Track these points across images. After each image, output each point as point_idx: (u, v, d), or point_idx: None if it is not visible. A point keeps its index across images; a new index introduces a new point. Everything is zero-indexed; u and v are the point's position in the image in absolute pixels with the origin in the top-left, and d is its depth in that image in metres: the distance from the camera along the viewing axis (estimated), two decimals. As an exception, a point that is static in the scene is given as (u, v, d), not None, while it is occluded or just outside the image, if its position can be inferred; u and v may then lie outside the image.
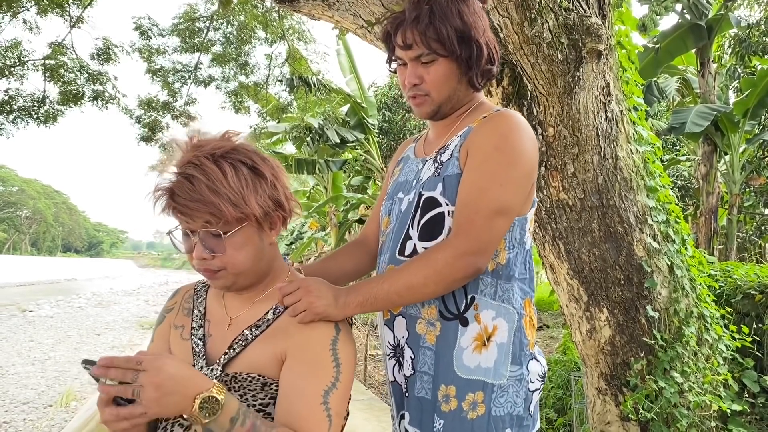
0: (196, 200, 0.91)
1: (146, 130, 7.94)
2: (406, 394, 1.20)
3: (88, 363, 0.80)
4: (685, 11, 7.32)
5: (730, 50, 8.21)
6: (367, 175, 13.27)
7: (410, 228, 1.21)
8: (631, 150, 2.41)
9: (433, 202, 1.18)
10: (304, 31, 7.86)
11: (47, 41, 7.02)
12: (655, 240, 2.46)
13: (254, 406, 0.95)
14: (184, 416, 0.83)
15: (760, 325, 2.96)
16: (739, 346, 2.77)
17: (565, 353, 4.71)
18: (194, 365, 1.00)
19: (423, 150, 1.34)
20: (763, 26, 7.37)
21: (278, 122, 10.93)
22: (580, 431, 3.33)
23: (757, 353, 2.86)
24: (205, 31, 7.54)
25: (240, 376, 0.96)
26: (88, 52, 7.22)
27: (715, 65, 8.32)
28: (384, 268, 1.25)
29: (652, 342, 2.44)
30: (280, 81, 8.48)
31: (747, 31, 7.47)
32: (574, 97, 2.06)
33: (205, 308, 1.10)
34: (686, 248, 2.74)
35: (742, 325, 2.86)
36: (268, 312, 1.03)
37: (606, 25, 2.02)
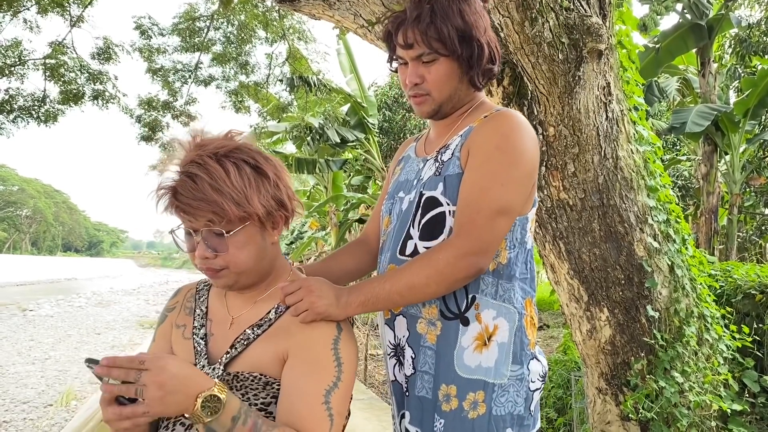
0: (199, 199, 0.92)
1: (146, 129, 7.95)
2: (407, 394, 1.21)
3: (91, 362, 0.80)
4: (685, 11, 7.32)
5: (730, 50, 8.21)
6: (368, 174, 13.27)
7: (411, 227, 1.21)
8: (631, 150, 2.41)
9: (433, 202, 1.18)
10: (305, 30, 7.87)
11: (48, 40, 7.04)
12: (655, 240, 2.46)
13: (256, 405, 0.95)
14: (186, 415, 0.83)
15: (760, 325, 2.97)
16: (740, 345, 2.77)
17: (566, 353, 4.71)
18: (196, 364, 1.00)
19: (424, 149, 1.34)
20: (763, 26, 7.37)
21: (278, 122, 10.93)
22: (581, 431, 3.33)
23: (757, 353, 2.87)
24: (206, 30, 7.54)
25: (242, 375, 0.96)
26: (88, 51, 7.25)
27: (715, 65, 8.32)
28: (385, 268, 1.25)
29: (653, 342, 2.44)
30: (281, 80, 8.48)
31: (747, 31, 7.47)
32: (574, 97, 2.06)
33: (207, 307, 1.10)
34: (687, 248, 2.74)
35: (742, 325, 2.86)
36: (269, 311, 1.04)
37: (607, 24, 2.02)
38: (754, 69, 8.32)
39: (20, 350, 9.30)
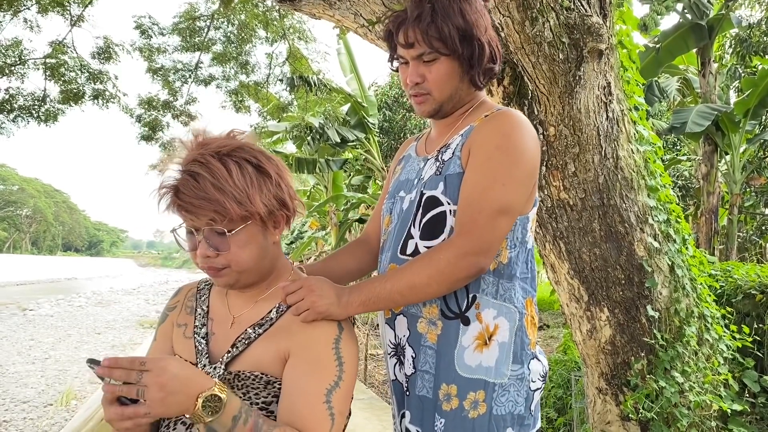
0: (201, 198, 0.92)
1: (147, 129, 7.95)
2: (407, 393, 1.21)
3: (92, 362, 0.80)
4: (686, 11, 7.31)
5: (731, 50, 8.22)
6: (368, 174, 13.27)
7: (412, 227, 1.21)
8: (632, 149, 2.41)
9: (434, 201, 1.18)
10: (305, 30, 7.86)
11: (48, 40, 7.03)
12: (655, 240, 2.46)
13: (257, 404, 0.95)
14: (187, 415, 0.83)
15: (760, 325, 2.97)
16: (740, 345, 2.77)
17: (566, 353, 4.71)
18: (197, 364, 1.00)
19: (425, 149, 1.33)
20: (764, 26, 7.37)
21: (279, 121, 10.93)
22: (581, 431, 3.33)
23: (757, 353, 2.87)
24: (206, 30, 7.54)
25: (243, 374, 0.96)
26: (88, 50, 7.24)
27: (716, 65, 8.32)
28: (385, 267, 1.25)
29: (653, 342, 2.44)
30: (281, 80, 8.48)
31: (748, 31, 7.47)
32: (575, 97, 2.06)
33: (208, 306, 1.10)
34: (687, 248, 2.74)
35: (742, 325, 2.87)
36: (271, 311, 1.04)
37: (607, 24, 2.02)
38: (754, 69, 8.32)
39: (20, 350, 9.31)
